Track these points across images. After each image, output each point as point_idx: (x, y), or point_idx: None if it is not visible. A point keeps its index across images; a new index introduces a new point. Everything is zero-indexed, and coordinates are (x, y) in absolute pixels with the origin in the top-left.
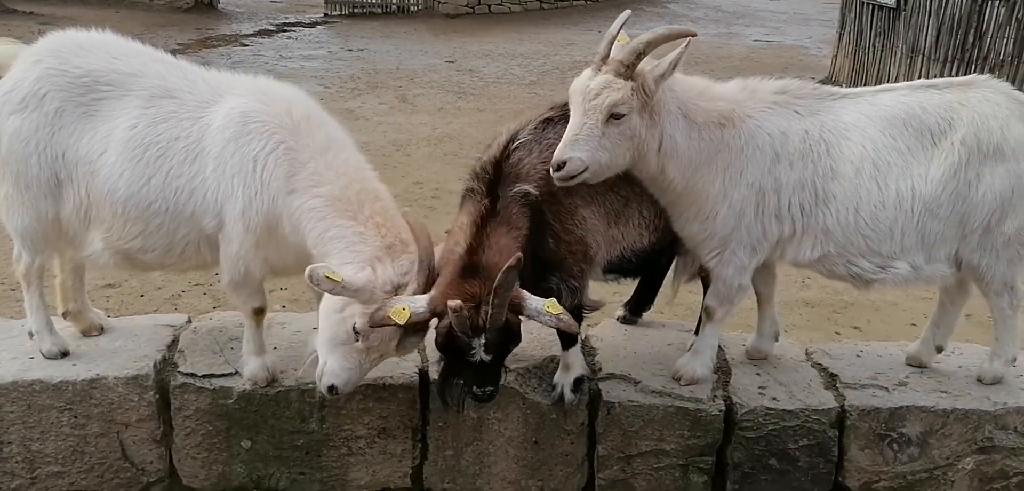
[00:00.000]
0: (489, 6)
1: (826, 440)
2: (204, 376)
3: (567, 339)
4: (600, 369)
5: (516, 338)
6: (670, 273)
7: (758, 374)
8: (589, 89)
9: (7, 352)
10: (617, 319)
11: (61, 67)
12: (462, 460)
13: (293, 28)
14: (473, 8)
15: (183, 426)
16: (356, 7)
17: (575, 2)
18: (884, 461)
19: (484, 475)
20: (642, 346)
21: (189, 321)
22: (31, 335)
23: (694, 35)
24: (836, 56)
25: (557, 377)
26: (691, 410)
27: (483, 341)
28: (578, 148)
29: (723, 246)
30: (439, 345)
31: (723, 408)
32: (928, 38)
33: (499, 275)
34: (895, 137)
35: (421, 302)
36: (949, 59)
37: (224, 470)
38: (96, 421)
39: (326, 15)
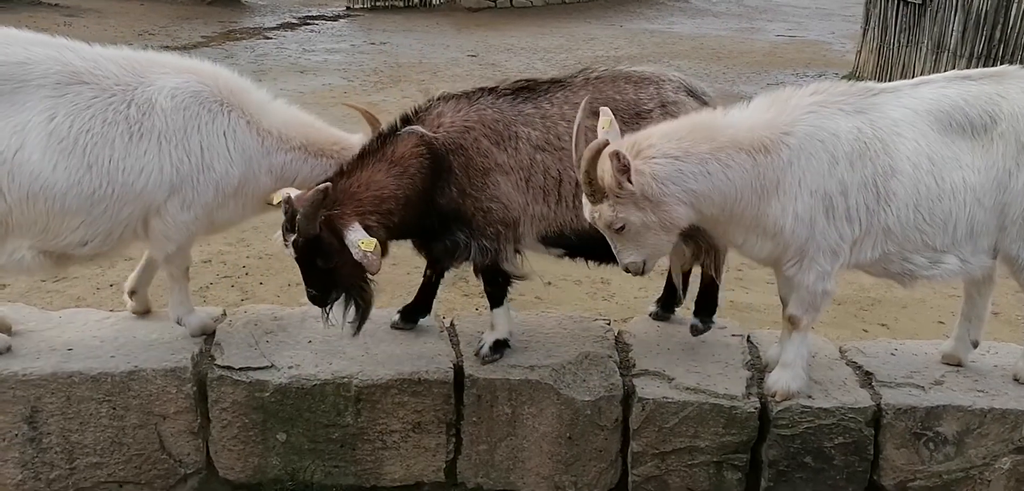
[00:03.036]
0: (511, 0)
1: (862, 439)
2: (241, 369)
3: (493, 299)
4: (634, 365)
5: (325, 256)
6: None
7: None
8: (587, 219)
9: (45, 344)
10: (649, 315)
11: None
12: (496, 455)
13: (316, 21)
14: (495, 2)
15: (220, 419)
16: (378, 1)
17: None
18: (920, 460)
19: (518, 470)
20: (675, 343)
21: (224, 314)
22: None
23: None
24: (860, 52)
25: (483, 335)
26: (726, 408)
27: (293, 238)
28: (623, 257)
29: (801, 255)
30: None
31: (758, 406)
32: (954, 34)
33: (309, 192)
34: (943, 131)
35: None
36: (975, 55)
37: (260, 462)
38: (135, 413)
39: (348, 8)
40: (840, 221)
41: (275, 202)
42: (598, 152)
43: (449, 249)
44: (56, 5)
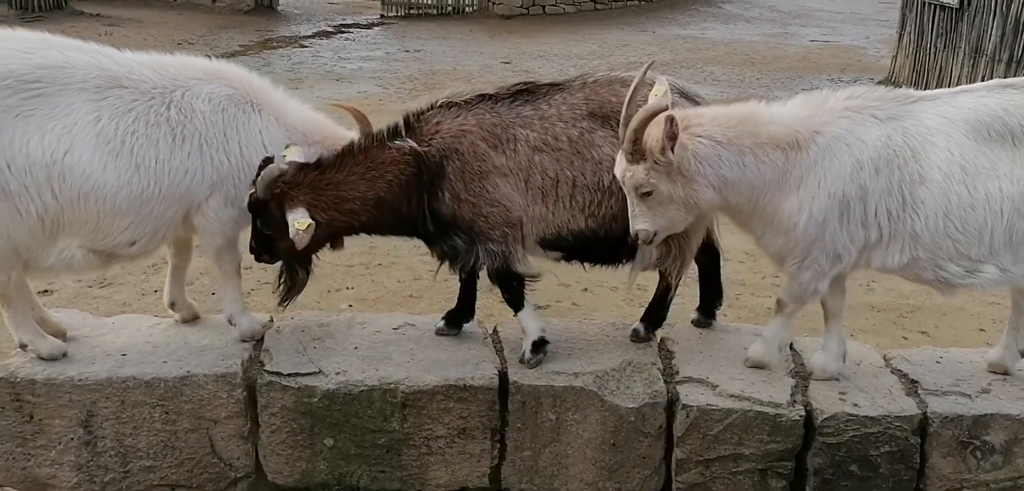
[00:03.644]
0: (543, 7)
1: (908, 447)
2: (289, 375)
3: (513, 304)
4: (677, 372)
5: (265, 221)
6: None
7: (837, 380)
8: (617, 176)
9: (100, 349)
10: (691, 323)
11: None
12: (540, 461)
13: (350, 29)
14: (528, 9)
15: (269, 423)
16: (412, 8)
17: (629, 2)
18: (967, 469)
19: (561, 476)
20: (718, 350)
21: (271, 320)
22: (24, 347)
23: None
24: (896, 56)
25: (522, 342)
26: (771, 415)
27: (250, 191)
28: (638, 222)
29: (805, 254)
30: None
31: (803, 413)
32: (992, 39)
33: (275, 164)
34: (980, 140)
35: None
36: (1015, 60)
37: (307, 467)
38: (186, 417)
39: (383, 17)
40: (854, 225)
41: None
42: (654, 114)
43: (448, 254)
44: (97, 15)
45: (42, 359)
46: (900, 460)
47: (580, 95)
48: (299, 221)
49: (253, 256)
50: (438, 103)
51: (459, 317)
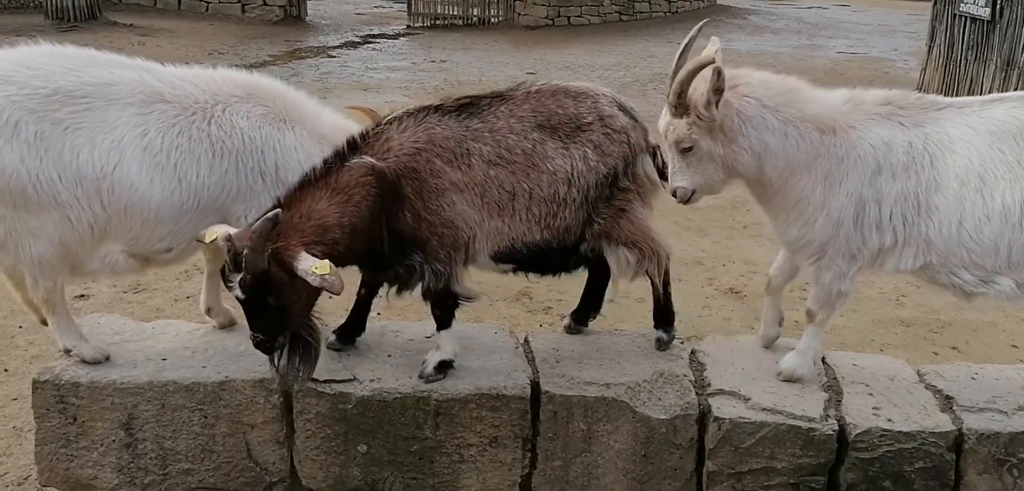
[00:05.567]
0: (568, 18)
1: (943, 464)
2: (325, 381)
3: (441, 321)
4: (709, 384)
5: (276, 293)
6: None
7: (871, 395)
8: (660, 130)
9: (141, 353)
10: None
11: (23, 91)
12: (571, 471)
13: (377, 39)
14: (553, 20)
15: (304, 429)
16: (438, 19)
17: (653, 13)
18: (1003, 487)
19: (592, 487)
20: (750, 362)
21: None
22: (68, 352)
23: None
24: (925, 69)
25: (428, 355)
26: (803, 429)
27: (239, 278)
28: (677, 179)
29: (821, 253)
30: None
31: (836, 428)
32: None
33: (257, 222)
34: (1004, 150)
35: (225, 230)
36: None
37: (341, 473)
38: (224, 421)
39: (409, 27)
40: (868, 228)
41: (207, 240)
42: (702, 67)
43: (402, 276)
44: (130, 26)
45: (85, 363)
46: (935, 476)
47: (527, 107)
48: (317, 267)
49: (263, 349)
50: (384, 121)
51: (351, 332)
